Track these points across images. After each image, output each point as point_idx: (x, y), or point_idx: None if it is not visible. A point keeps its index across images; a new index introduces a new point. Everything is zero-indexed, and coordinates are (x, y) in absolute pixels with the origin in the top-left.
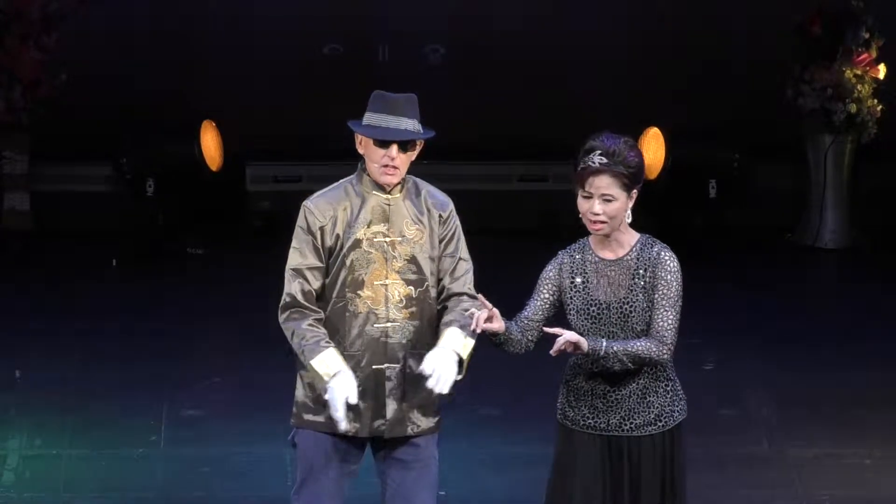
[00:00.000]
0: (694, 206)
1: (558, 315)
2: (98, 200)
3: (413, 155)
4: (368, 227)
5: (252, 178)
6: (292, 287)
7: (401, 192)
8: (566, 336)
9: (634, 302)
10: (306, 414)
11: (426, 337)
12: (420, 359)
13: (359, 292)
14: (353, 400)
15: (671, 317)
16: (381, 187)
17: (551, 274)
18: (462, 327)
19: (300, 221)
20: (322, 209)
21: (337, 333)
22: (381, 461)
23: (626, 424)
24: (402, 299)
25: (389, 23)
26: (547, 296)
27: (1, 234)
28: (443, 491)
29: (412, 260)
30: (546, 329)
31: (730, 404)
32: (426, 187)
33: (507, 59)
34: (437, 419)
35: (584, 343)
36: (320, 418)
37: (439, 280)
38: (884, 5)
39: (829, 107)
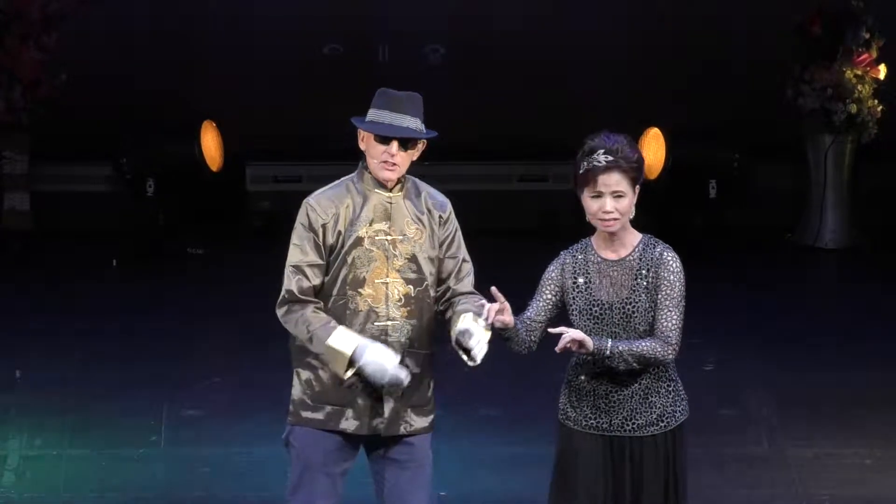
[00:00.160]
0: (694, 206)
1: (560, 315)
2: (98, 200)
3: (414, 154)
4: (370, 225)
5: (252, 178)
6: (292, 283)
7: (401, 191)
8: (571, 334)
9: (637, 302)
10: (304, 411)
11: (423, 336)
12: (417, 358)
13: (360, 290)
14: (396, 359)
15: (675, 317)
16: (382, 185)
17: (553, 274)
18: (477, 316)
19: (301, 218)
20: (324, 206)
21: None
22: (376, 461)
23: (628, 425)
24: (401, 298)
25: (389, 23)
26: (549, 296)
27: (1, 234)
28: (443, 491)
29: (412, 259)
30: (551, 329)
31: (730, 404)
32: (426, 188)
33: (507, 59)
34: (430, 419)
35: (589, 342)
36: (319, 416)
37: (443, 281)
38: (884, 5)
39: (830, 107)
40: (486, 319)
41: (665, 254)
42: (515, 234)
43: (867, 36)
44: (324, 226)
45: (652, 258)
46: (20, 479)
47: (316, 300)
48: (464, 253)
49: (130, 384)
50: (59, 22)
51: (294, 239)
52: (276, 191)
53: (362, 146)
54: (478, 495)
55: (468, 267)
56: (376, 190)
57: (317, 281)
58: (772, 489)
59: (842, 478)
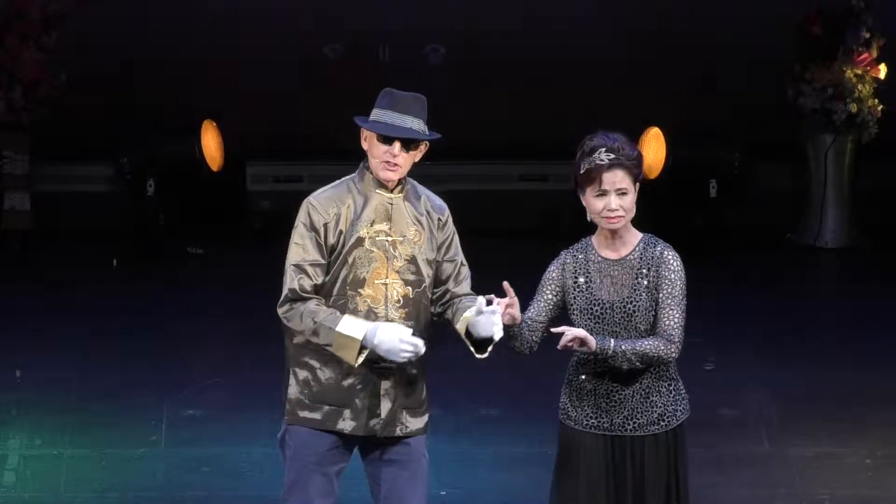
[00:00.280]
0: (694, 206)
1: (562, 316)
2: (98, 200)
3: (417, 155)
4: (371, 225)
5: (252, 178)
6: (294, 282)
7: (402, 192)
8: (573, 332)
9: (638, 301)
10: (301, 411)
11: (420, 337)
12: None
13: (359, 290)
14: (408, 330)
15: (677, 315)
16: (383, 186)
17: (554, 274)
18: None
19: (302, 217)
20: (326, 206)
21: None
22: (372, 463)
23: (629, 424)
24: (400, 299)
25: (389, 23)
26: (550, 296)
27: (1, 234)
28: (443, 491)
29: (412, 260)
30: (552, 329)
31: (730, 404)
32: (424, 191)
33: (507, 59)
34: (425, 420)
35: (591, 341)
36: (316, 415)
37: (441, 284)
38: (884, 5)
39: (830, 107)
40: (495, 311)
41: (666, 253)
42: (515, 234)
43: (867, 35)
44: (325, 225)
45: (652, 257)
46: (20, 479)
47: (318, 296)
48: (462, 256)
49: (130, 384)
50: (59, 22)
51: (295, 238)
52: (276, 191)
53: (365, 146)
54: (478, 495)
55: (466, 270)
56: (377, 190)
57: (318, 280)
58: (772, 489)
59: (842, 477)
